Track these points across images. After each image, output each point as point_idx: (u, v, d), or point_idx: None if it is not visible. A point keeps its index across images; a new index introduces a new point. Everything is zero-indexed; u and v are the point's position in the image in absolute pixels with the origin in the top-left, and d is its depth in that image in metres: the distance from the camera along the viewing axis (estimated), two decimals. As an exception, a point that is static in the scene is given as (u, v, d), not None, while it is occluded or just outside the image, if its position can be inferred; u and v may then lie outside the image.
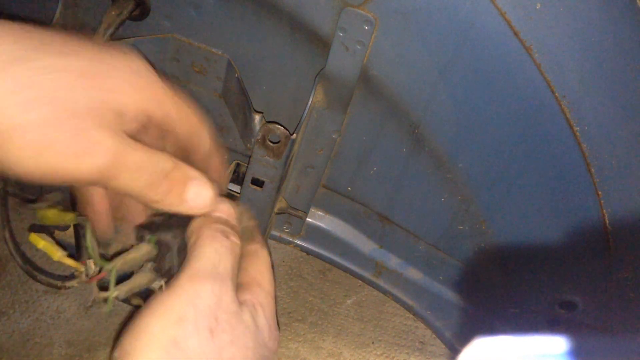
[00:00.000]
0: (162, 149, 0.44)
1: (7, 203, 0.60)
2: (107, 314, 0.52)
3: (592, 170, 0.57)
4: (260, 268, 0.49)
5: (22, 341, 1.13)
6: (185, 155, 0.48)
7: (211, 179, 0.47)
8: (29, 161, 0.36)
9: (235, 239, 0.46)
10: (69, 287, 0.62)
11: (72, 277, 0.54)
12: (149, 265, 0.50)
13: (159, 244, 0.50)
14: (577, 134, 0.55)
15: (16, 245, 0.61)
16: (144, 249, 0.50)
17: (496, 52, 0.52)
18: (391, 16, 0.52)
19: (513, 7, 0.49)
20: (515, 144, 0.58)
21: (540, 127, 0.56)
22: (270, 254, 0.52)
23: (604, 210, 0.59)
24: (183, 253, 0.50)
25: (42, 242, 0.51)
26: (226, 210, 0.49)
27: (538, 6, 0.49)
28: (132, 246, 0.51)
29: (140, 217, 0.51)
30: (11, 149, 0.36)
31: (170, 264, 0.50)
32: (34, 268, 0.61)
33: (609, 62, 0.51)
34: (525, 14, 0.49)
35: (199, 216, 0.47)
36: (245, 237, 0.51)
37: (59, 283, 0.62)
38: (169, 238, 0.49)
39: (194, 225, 0.47)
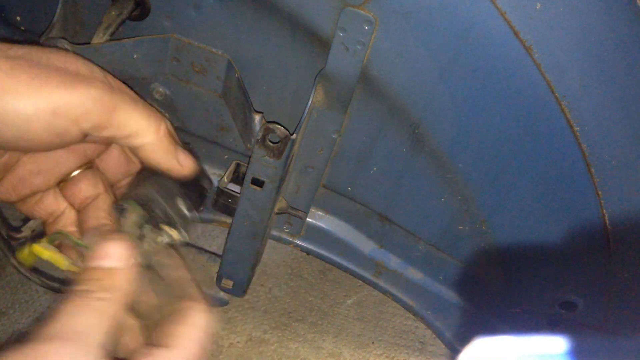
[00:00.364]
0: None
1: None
2: None
3: (592, 170, 0.57)
4: (180, 331, 0.41)
5: (22, 341, 1.13)
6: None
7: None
8: (38, 108, 0.40)
9: (108, 296, 0.40)
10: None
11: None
12: (147, 227, 0.50)
13: (141, 203, 0.50)
14: (577, 134, 0.55)
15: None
16: (131, 216, 0.50)
17: (496, 52, 0.52)
18: (391, 16, 0.52)
19: (513, 7, 0.49)
20: (515, 144, 0.58)
21: (540, 127, 0.56)
22: (207, 316, 0.43)
23: (604, 210, 0.59)
24: (166, 194, 0.51)
25: (47, 253, 0.51)
26: (116, 255, 0.43)
27: (538, 6, 0.49)
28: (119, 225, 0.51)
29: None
30: (7, 113, 0.39)
31: (162, 210, 0.50)
32: (52, 280, 0.61)
33: (609, 62, 0.51)
34: (525, 14, 0.49)
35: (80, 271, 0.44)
36: (172, 291, 0.46)
37: (63, 287, 0.62)
38: (143, 192, 0.50)
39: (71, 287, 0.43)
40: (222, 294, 0.74)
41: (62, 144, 0.44)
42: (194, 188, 0.56)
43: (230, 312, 1.21)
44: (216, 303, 0.75)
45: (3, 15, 0.68)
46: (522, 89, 0.54)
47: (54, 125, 0.41)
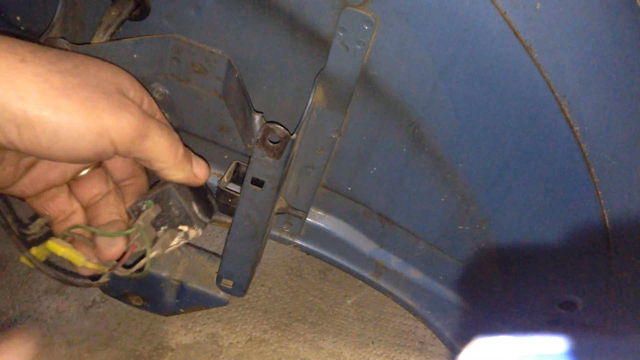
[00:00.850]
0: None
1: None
2: (146, 275, 0.55)
3: (592, 170, 0.57)
4: None
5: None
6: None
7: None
8: (79, 134, 0.43)
9: None
10: (100, 284, 0.63)
11: (98, 276, 0.56)
12: (163, 228, 0.56)
13: (157, 200, 0.56)
14: (577, 134, 0.55)
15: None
16: (149, 213, 0.53)
17: (496, 52, 0.52)
18: (391, 16, 0.52)
19: (513, 7, 0.49)
20: (515, 144, 0.58)
21: (540, 127, 0.56)
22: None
23: (604, 210, 0.59)
24: (184, 195, 0.56)
25: (62, 249, 0.52)
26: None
27: (538, 6, 0.49)
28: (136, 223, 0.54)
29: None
30: (60, 129, 0.42)
31: (178, 206, 0.56)
32: (63, 272, 0.61)
33: (609, 62, 0.51)
34: (525, 14, 0.49)
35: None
36: None
37: (89, 281, 0.62)
38: (160, 190, 0.54)
39: None
40: (222, 294, 0.74)
41: (96, 160, 0.49)
42: (203, 199, 0.60)
43: (230, 312, 1.21)
44: (216, 303, 0.75)
45: (3, 15, 0.68)
46: (522, 89, 0.54)
47: (97, 145, 0.45)
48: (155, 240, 0.56)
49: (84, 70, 0.46)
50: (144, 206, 0.55)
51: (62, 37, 0.57)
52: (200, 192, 0.60)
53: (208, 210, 0.60)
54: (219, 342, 1.16)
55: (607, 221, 0.60)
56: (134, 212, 0.55)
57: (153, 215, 0.55)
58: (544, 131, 0.56)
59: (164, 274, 0.73)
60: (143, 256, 0.56)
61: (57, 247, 0.52)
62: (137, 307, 0.77)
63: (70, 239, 0.54)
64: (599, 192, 0.58)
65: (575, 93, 0.53)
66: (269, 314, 1.21)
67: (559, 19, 0.49)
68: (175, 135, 0.53)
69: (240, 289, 0.72)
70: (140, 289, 0.74)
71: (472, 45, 0.52)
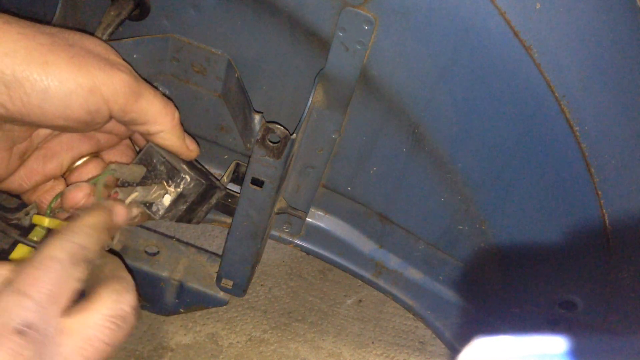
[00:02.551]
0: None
1: None
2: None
3: (592, 170, 0.57)
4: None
5: (22, 341, 1.13)
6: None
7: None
8: (71, 90, 0.42)
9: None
10: None
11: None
12: (154, 185, 0.54)
13: (141, 162, 0.54)
14: (577, 134, 0.55)
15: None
16: (132, 168, 0.53)
17: (496, 52, 0.52)
18: (391, 16, 0.52)
19: (513, 7, 0.49)
20: (515, 144, 0.58)
21: (540, 127, 0.56)
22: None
23: (604, 210, 0.59)
24: (165, 150, 0.55)
25: (47, 220, 0.51)
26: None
27: (538, 6, 0.49)
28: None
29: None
30: (49, 85, 0.41)
31: (162, 161, 0.54)
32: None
33: (609, 62, 0.51)
34: (525, 14, 0.49)
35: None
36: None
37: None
38: (142, 151, 0.54)
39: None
40: (222, 294, 0.74)
41: (91, 124, 0.46)
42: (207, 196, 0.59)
43: (230, 312, 1.21)
44: (216, 303, 0.75)
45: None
46: (521, 89, 0.54)
47: (89, 102, 0.44)
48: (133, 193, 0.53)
49: (69, 34, 0.45)
50: (127, 203, 0.52)
51: (62, 37, 0.57)
52: (193, 164, 0.58)
53: (202, 174, 0.58)
54: (219, 342, 1.16)
55: (607, 221, 0.60)
56: (125, 185, 0.54)
57: (137, 171, 0.53)
58: (543, 131, 0.56)
59: (164, 274, 0.73)
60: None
61: (42, 219, 0.51)
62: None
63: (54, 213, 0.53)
64: (599, 192, 0.58)
65: (575, 93, 0.53)
66: (268, 314, 1.21)
67: (559, 19, 0.49)
68: (169, 100, 0.51)
69: (240, 289, 0.72)
70: (140, 289, 0.74)
71: (472, 45, 0.52)
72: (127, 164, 0.54)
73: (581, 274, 0.66)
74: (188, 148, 0.54)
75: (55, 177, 0.53)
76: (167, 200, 0.55)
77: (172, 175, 0.55)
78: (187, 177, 0.55)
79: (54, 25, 0.61)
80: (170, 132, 0.51)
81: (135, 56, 0.59)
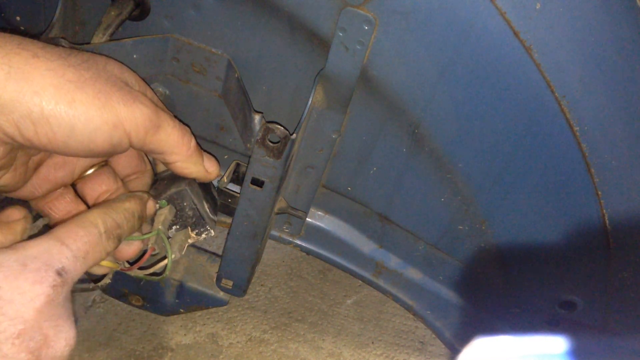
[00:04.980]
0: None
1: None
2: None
3: (592, 170, 0.57)
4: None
5: (22, 341, 1.13)
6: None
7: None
8: (96, 125, 0.44)
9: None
10: (102, 285, 0.64)
11: (101, 277, 0.56)
12: (175, 227, 0.57)
13: (171, 200, 0.56)
14: (577, 134, 0.55)
15: None
16: (163, 212, 0.54)
17: (496, 52, 0.52)
18: (391, 16, 0.52)
19: (513, 7, 0.49)
20: (515, 144, 0.58)
21: (540, 127, 0.56)
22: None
23: (604, 210, 0.59)
24: (195, 190, 0.57)
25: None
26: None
27: (538, 6, 0.49)
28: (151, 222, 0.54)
29: None
30: (76, 123, 0.43)
31: (192, 208, 0.56)
32: None
33: (609, 62, 0.51)
34: (525, 14, 0.49)
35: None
36: None
37: (91, 285, 0.62)
38: (174, 191, 0.54)
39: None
40: (222, 294, 0.74)
41: (112, 154, 0.49)
42: (210, 196, 0.61)
43: (230, 312, 1.21)
44: (216, 303, 0.75)
45: (3, 15, 0.68)
46: (522, 89, 0.54)
47: (112, 137, 0.45)
48: (168, 241, 0.56)
49: (93, 64, 0.46)
50: (157, 206, 0.55)
51: (62, 37, 0.57)
52: (207, 189, 0.60)
53: (215, 208, 0.60)
54: (219, 342, 1.16)
55: (607, 221, 0.60)
56: None
57: (170, 217, 0.55)
58: (543, 131, 0.56)
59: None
60: (160, 259, 0.56)
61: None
62: (137, 307, 0.77)
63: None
64: (599, 192, 0.58)
65: (575, 93, 0.53)
66: (268, 314, 1.21)
67: (559, 19, 0.49)
68: (186, 128, 0.52)
69: (240, 289, 0.72)
70: (140, 289, 0.74)
71: (472, 45, 0.52)
72: (164, 212, 0.55)
73: (581, 274, 0.66)
74: (207, 172, 0.55)
75: (65, 185, 0.54)
76: (183, 247, 0.57)
77: (197, 223, 0.57)
78: (212, 231, 0.58)
79: (53, 24, 0.61)
80: (187, 161, 0.53)
81: (135, 56, 0.59)
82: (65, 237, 0.41)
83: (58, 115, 0.42)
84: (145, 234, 0.54)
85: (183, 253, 0.57)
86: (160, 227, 0.54)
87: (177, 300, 0.75)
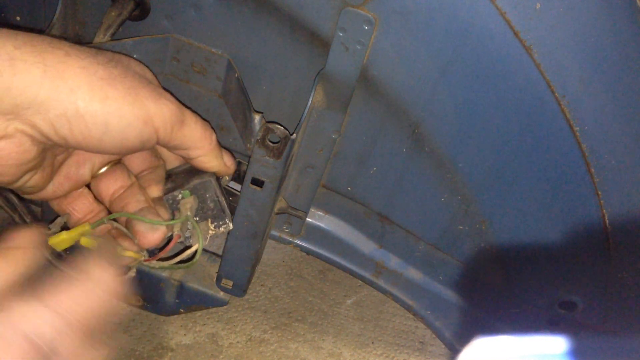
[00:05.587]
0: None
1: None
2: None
3: (592, 170, 0.57)
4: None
5: (22, 341, 1.13)
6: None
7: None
8: (125, 123, 0.44)
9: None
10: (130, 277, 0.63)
11: (127, 269, 0.56)
12: (195, 219, 0.56)
13: (194, 191, 0.56)
14: (577, 134, 0.55)
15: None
16: (189, 201, 0.54)
17: (496, 52, 0.52)
18: (391, 16, 0.52)
19: (513, 7, 0.49)
20: (515, 144, 0.58)
21: (540, 127, 0.56)
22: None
23: (604, 210, 0.59)
24: (219, 183, 0.57)
25: (84, 239, 0.52)
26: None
27: (538, 6, 0.49)
28: (173, 212, 0.54)
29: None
30: (110, 119, 0.43)
31: (214, 200, 0.57)
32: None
33: (609, 62, 0.51)
34: (525, 14, 0.49)
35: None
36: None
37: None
38: (199, 182, 0.56)
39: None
40: (222, 294, 0.74)
41: (140, 150, 0.49)
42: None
43: (230, 312, 1.21)
44: (216, 303, 0.75)
45: (3, 15, 0.68)
46: (522, 89, 0.54)
47: (143, 133, 0.46)
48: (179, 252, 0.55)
49: (119, 61, 0.47)
50: (180, 196, 0.55)
51: (63, 37, 0.57)
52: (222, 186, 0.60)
53: (229, 203, 0.60)
54: (219, 342, 1.16)
55: (607, 221, 0.60)
56: (169, 201, 0.55)
57: (195, 205, 0.55)
58: (543, 131, 0.56)
59: (164, 274, 0.73)
60: (184, 248, 0.55)
61: (87, 241, 0.51)
62: (137, 307, 0.77)
63: (105, 227, 0.53)
64: (599, 192, 0.58)
65: (575, 93, 0.53)
66: (268, 314, 1.21)
67: (559, 19, 0.49)
68: (207, 123, 0.53)
69: (240, 289, 0.72)
70: (140, 289, 0.74)
71: (472, 45, 0.52)
72: (189, 201, 0.55)
73: (581, 274, 0.66)
74: (226, 165, 0.56)
75: (85, 183, 0.54)
76: (206, 238, 0.57)
77: (217, 216, 0.57)
78: (230, 224, 0.58)
79: (53, 24, 0.61)
80: (210, 155, 0.53)
81: (135, 56, 0.59)
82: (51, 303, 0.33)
83: (93, 112, 0.42)
84: (172, 220, 0.54)
85: (207, 242, 0.56)
86: (188, 213, 0.54)
87: (177, 300, 0.75)
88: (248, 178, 0.61)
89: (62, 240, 0.51)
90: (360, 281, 0.81)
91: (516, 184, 0.61)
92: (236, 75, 0.62)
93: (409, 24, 0.52)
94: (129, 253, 0.52)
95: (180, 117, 0.48)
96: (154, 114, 0.46)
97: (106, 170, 0.54)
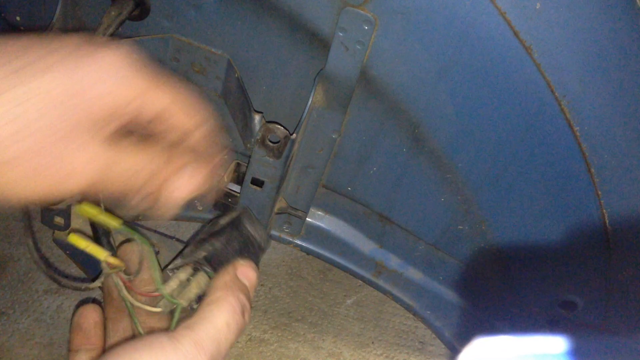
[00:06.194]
0: (154, 142, 0.43)
1: (29, 210, 0.60)
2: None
3: (592, 170, 0.57)
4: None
5: (22, 341, 1.13)
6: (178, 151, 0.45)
7: (207, 174, 0.45)
8: (22, 190, 0.36)
9: (247, 319, 0.47)
10: (92, 288, 0.62)
11: (96, 277, 0.55)
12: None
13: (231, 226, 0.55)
14: (577, 134, 0.55)
15: (39, 252, 0.60)
16: (203, 282, 0.52)
17: (496, 52, 0.52)
18: (391, 16, 0.52)
19: (513, 7, 0.49)
20: (515, 144, 0.58)
21: (540, 127, 0.56)
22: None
23: (604, 210, 0.59)
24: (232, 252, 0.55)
25: (84, 243, 0.51)
26: (252, 278, 0.51)
27: (538, 6, 0.49)
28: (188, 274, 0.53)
29: None
30: (4, 181, 0.35)
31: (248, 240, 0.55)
32: (58, 274, 0.60)
33: (609, 62, 0.51)
34: (525, 14, 0.49)
35: (226, 273, 0.50)
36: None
37: (84, 285, 0.61)
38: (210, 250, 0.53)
39: (219, 281, 0.49)
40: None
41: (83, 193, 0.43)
42: (252, 250, 0.58)
43: (230, 312, 1.21)
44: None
45: (3, 15, 0.68)
46: (521, 89, 0.54)
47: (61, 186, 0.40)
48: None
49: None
50: (208, 271, 0.53)
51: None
52: (249, 246, 0.57)
53: (256, 259, 0.59)
54: (219, 342, 1.15)
55: (607, 221, 0.60)
56: (194, 264, 0.53)
57: (199, 292, 0.52)
58: (543, 131, 0.56)
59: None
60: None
61: (79, 241, 0.50)
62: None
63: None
64: (599, 192, 0.58)
65: (575, 93, 0.53)
66: (269, 314, 1.21)
67: (559, 19, 0.49)
68: (150, 157, 0.41)
69: (240, 289, 0.72)
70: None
71: (472, 45, 0.52)
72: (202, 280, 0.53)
73: (581, 274, 0.66)
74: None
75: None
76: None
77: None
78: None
79: (53, 24, 0.61)
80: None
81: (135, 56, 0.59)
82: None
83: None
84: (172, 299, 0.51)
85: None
86: (187, 300, 0.51)
87: (177, 300, 0.75)
88: (248, 178, 0.61)
89: (88, 211, 0.50)
90: (360, 281, 0.81)
91: (516, 184, 0.61)
92: (236, 75, 0.62)
93: (409, 24, 0.52)
94: (112, 260, 0.50)
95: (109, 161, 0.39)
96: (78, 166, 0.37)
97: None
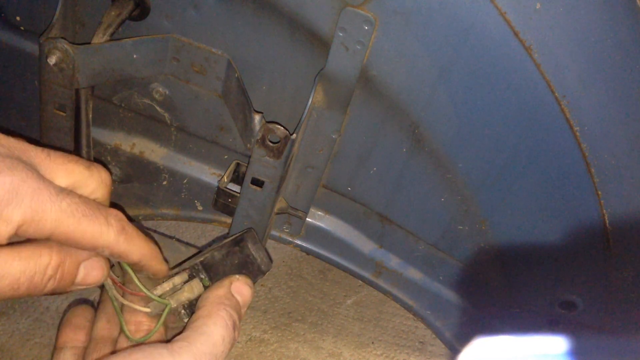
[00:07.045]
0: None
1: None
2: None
3: (592, 170, 0.57)
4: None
5: (22, 341, 1.13)
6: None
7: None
8: None
9: (237, 335, 0.47)
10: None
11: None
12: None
13: (236, 243, 0.55)
14: (577, 134, 0.55)
15: None
16: (196, 288, 0.53)
17: (496, 52, 0.52)
18: (391, 16, 0.52)
19: (513, 7, 0.49)
20: (515, 144, 0.58)
21: (540, 127, 0.56)
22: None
23: (604, 210, 0.59)
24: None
25: None
26: (246, 295, 0.52)
27: (538, 6, 0.49)
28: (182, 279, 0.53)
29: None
30: None
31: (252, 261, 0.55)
32: None
33: (609, 62, 0.51)
34: (525, 14, 0.49)
35: (221, 287, 0.51)
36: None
37: None
38: (207, 259, 0.54)
39: (213, 293, 0.50)
40: (222, 294, 0.73)
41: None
42: (251, 269, 0.57)
43: (230, 312, 1.20)
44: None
45: (3, 15, 0.68)
46: (521, 89, 0.54)
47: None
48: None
49: None
50: (203, 278, 0.54)
51: (62, 37, 0.57)
52: (247, 265, 0.57)
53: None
54: (219, 342, 1.15)
55: (607, 221, 0.60)
56: (190, 272, 0.54)
57: (192, 297, 0.53)
58: (543, 131, 0.56)
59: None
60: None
61: None
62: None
63: None
64: (599, 192, 0.58)
65: (575, 93, 0.53)
66: (269, 314, 1.21)
67: (559, 19, 0.49)
68: (39, 259, 0.40)
69: (240, 289, 0.72)
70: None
71: (472, 45, 0.52)
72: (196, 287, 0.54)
73: (581, 274, 0.66)
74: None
75: None
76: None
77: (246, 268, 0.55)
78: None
79: (53, 24, 0.61)
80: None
81: (135, 56, 0.59)
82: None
83: None
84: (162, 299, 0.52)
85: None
86: (177, 301, 0.52)
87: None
88: (248, 178, 0.61)
89: None
90: (360, 281, 0.81)
91: (516, 184, 0.61)
92: (236, 75, 0.62)
93: (409, 24, 0.52)
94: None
95: None
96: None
97: None
